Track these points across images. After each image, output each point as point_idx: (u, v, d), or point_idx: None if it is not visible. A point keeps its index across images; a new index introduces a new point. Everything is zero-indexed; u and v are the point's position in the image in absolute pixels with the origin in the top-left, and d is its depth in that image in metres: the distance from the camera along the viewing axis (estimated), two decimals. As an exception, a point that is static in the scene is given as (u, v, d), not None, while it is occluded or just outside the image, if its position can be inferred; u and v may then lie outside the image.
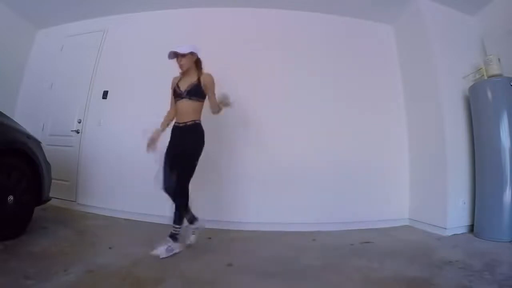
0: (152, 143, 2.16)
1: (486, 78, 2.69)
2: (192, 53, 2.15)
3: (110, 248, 2.00)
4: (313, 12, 3.33)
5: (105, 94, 3.34)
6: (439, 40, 2.93)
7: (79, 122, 3.35)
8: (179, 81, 2.20)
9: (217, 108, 2.15)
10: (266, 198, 2.93)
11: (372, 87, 3.28)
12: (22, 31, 3.65)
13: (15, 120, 2.22)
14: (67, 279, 1.44)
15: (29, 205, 2.16)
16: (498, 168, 2.47)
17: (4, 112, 2.09)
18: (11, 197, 1.96)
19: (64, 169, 3.17)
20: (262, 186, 2.94)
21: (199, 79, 2.13)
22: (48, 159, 2.38)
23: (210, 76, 2.18)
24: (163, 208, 2.92)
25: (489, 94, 2.60)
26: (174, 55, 2.13)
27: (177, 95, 2.14)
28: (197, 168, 2.97)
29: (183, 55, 2.12)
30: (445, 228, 2.62)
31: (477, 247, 2.24)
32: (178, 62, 2.15)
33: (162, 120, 2.27)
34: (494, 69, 2.66)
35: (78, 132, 3.33)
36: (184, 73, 2.19)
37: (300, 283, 1.61)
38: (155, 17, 3.44)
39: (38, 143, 2.32)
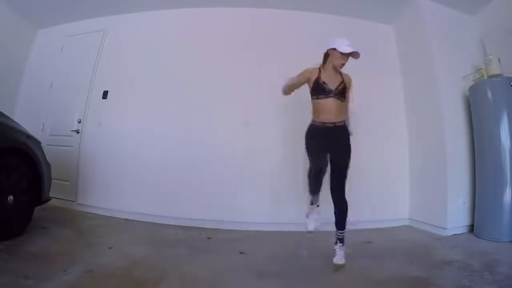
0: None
1: (486, 78, 2.69)
2: None
3: (110, 248, 2.00)
4: (313, 12, 3.32)
5: (105, 94, 3.33)
6: (439, 40, 2.92)
7: (79, 122, 3.35)
8: (320, 75, 1.97)
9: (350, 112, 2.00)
10: (267, 198, 2.93)
11: (372, 87, 3.27)
12: (22, 31, 3.65)
13: (15, 120, 2.22)
14: (67, 279, 1.44)
15: (29, 205, 2.15)
16: (498, 168, 2.47)
17: (4, 112, 2.08)
18: (11, 197, 1.96)
19: (64, 169, 3.17)
20: (263, 186, 2.95)
21: (343, 79, 1.98)
22: (48, 159, 2.38)
23: (350, 77, 2.03)
24: (163, 208, 2.95)
25: (489, 94, 2.59)
26: (355, 56, 1.91)
27: (321, 91, 1.93)
28: (197, 168, 3.02)
29: (358, 58, 1.92)
30: (445, 228, 2.62)
31: (477, 247, 2.24)
32: (343, 61, 1.93)
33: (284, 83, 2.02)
34: (494, 69, 2.66)
35: (78, 132, 3.33)
36: (330, 69, 1.98)
37: (300, 283, 1.61)
38: (155, 17, 3.43)
39: (38, 143, 2.32)
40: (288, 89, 2.02)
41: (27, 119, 2.91)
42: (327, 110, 1.93)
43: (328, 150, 1.94)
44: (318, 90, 1.95)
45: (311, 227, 2.05)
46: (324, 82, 1.94)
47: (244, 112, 3.04)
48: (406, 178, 3.17)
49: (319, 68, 2.01)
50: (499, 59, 2.67)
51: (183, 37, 3.30)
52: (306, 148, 2.02)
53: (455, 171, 2.72)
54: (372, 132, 3.16)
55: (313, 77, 1.97)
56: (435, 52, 2.89)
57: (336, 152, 1.93)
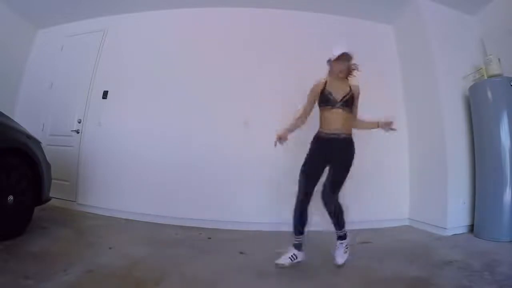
0: (281, 140, 2.01)
1: (486, 78, 2.69)
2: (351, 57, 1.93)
3: (110, 248, 2.00)
4: (313, 12, 3.32)
5: (105, 94, 3.33)
6: (439, 40, 2.92)
7: (79, 122, 3.35)
8: (326, 85, 1.95)
9: (361, 125, 2.09)
10: (267, 198, 2.93)
11: (372, 87, 3.25)
12: (22, 31, 3.65)
13: (15, 120, 2.22)
14: (67, 279, 1.44)
15: (29, 205, 2.15)
16: (498, 168, 2.47)
17: (4, 112, 2.08)
18: (11, 197, 1.96)
19: (64, 169, 3.17)
20: (263, 186, 2.94)
21: (351, 89, 1.95)
22: (48, 159, 2.38)
23: (359, 88, 2.02)
24: (163, 208, 2.95)
25: (489, 94, 2.59)
26: (345, 56, 1.89)
27: (326, 101, 1.92)
28: (197, 168, 3.02)
29: (350, 59, 1.91)
30: (445, 228, 2.62)
31: (477, 247, 2.24)
32: (340, 66, 1.91)
33: (290, 122, 2.07)
34: (494, 69, 2.66)
35: (78, 132, 3.33)
36: (335, 78, 1.97)
37: (299, 283, 1.61)
38: (155, 17, 3.43)
39: (38, 143, 2.32)
40: (303, 118, 2.04)
41: (27, 119, 2.91)
42: (333, 121, 1.91)
43: (328, 161, 1.93)
44: (324, 100, 1.93)
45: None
46: (329, 93, 1.92)
47: (244, 112, 3.03)
48: (406, 178, 3.16)
49: (325, 80, 2.00)
50: (499, 59, 2.67)
51: (183, 37, 3.30)
52: (308, 156, 1.98)
53: (455, 171, 2.71)
54: (372, 132, 3.16)
55: (320, 89, 1.96)
56: (435, 52, 2.89)
57: (335, 165, 1.91)
